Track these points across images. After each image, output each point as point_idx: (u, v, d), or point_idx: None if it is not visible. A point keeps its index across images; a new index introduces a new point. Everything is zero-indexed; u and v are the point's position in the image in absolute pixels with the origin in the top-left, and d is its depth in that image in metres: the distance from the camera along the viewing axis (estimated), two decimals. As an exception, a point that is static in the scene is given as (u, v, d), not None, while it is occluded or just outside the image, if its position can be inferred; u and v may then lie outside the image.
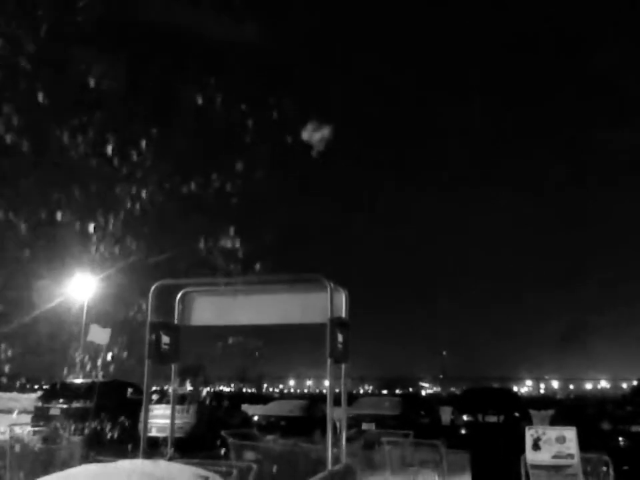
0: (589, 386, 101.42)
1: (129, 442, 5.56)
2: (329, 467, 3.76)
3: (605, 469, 6.11)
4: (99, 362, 7.95)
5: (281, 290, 4.45)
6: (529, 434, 5.83)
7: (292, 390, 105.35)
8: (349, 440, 4.20)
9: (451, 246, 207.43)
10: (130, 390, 15.22)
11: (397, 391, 65.69)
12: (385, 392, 62.41)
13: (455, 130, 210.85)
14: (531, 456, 5.74)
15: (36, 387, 39.28)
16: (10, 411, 19.33)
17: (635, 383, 27.14)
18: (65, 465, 5.72)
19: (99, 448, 7.33)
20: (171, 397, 5.28)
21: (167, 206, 4.49)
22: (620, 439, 12.10)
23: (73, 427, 8.42)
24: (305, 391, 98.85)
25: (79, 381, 14.19)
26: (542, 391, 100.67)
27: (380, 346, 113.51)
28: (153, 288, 4.39)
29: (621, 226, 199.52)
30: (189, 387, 16.74)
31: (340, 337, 3.98)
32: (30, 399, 21.69)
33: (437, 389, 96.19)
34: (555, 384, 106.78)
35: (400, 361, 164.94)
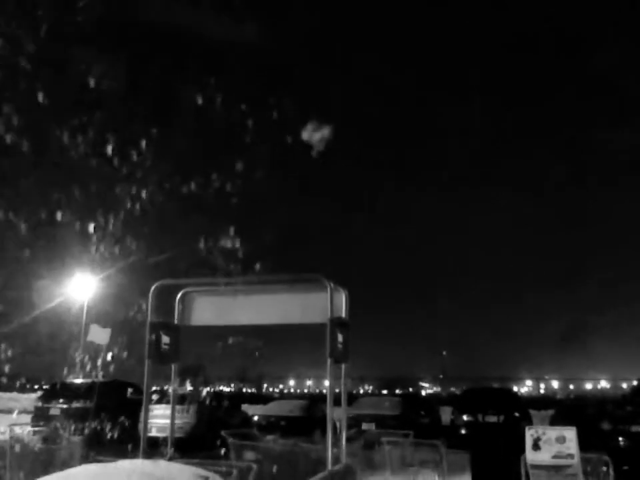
0: (589, 386, 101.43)
1: (129, 442, 5.56)
2: (329, 466, 3.76)
3: (605, 468, 6.11)
4: (99, 362, 7.95)
5: (280, 290, 4.45)
6: (529, 434, 5.83)
7: (292, 390, 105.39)
8: (349, 440, 4.20)
9: (451, 246, 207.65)
10: (130, 390, 15.22)
11: (397, 391, 65.68)
12: (385, 392, 62.42)
13: (455, 130, 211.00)
14: (530, 456, 5.74)
15: (36, 387, 39.28)
16: (10, 411, 19.34)
17: (634, 382, 27.15)
18: (65, 465, 5.72)
19: (99, 448, 7.33)
20: (171, 397, 5.28)
21: (166, 206, 4.49)
22: (620, 439, 12.10)
23: (72, 427, 8.42)
24: (305, 391, 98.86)
25: (78, 381, 14.19)
26: (542, 391, 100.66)
27: (380, 346, 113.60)
28: (152, 288, 4.40)
29: (621, 226, 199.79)
30: (188, 387, 16.74)
31: (340, 337, 3.98)
32: (30, 399, 21.69)
33: (437, 389, 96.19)
34: (555, 384, 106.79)
35: (400, 361, 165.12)
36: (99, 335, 9.54)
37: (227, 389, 64.66)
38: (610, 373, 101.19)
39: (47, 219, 4.29)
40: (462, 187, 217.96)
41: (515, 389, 64.27)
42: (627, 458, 10.18)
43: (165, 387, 12.43)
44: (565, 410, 17.59)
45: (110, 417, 11.22)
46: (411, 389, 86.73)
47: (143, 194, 4.26)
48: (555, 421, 13.77)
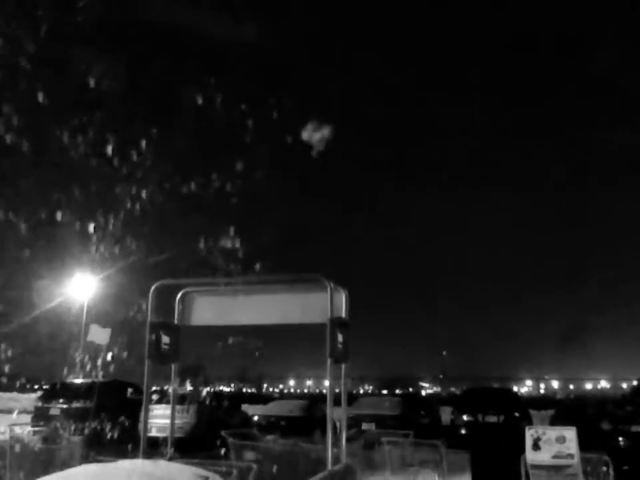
0: (589, 386, 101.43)
1: (129, 442, 5.56)
2: (329, 466, 3.76)
3: (604, 468, 6.11)
4: (99, 362, 7.95)
5: (281, 290, 4.45)
6: (529, 434, 5.83)
7: (292, 390, 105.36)
8: (349, 440, 4.20)
9: (451, 246, 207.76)
10: (130, 390, 15.22)
11: (397, 391, 65.69)
12: (385, 392, 62.41)
13: (455, 130, 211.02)
14: (530, 456, 5.74)
15: (36, 387, 39.25)
16: (10, 411, 19.34)
17: (634, 382, 27.15)
18: (65, 465, 5.72)
19: (98, 448, 7.33)
20: (171, 397, 5.28)
21: (166, 206, 4.49)
22: (620, 438, 12.10)
23: (72, 427, 8.42)
24: (305, 391, 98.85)
25: (78, 381, 14.19)
26: (542, 391, 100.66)
27: (380, 346, 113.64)
28: (152, 288, 4.40)
29: (621, 226, 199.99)
30: (189, 387, 16.74)
31: (340, 337, 3.98)
32: (30, 399, 21.69)
33: (437, 389, 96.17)
34: (555, 384, 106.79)
35: (400, 361, 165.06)
36: (99, 335, 9.53)
37: (227, 389, 64.66)
38: (610, 373, 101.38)
39: (47, 219, 4.29)
40: (462, 186, 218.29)
41: (515, 388, 64.29)
42: (627, 458, 10.18)
43: (165, 387, 12.43)
44: (564, 410, 17.58)
45: (110, 417, 11.21)
46: (410, 389, 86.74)
47: (143, 194, 4.26)
48: (554, 421, 13.77)
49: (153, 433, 9.35)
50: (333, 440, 3.85)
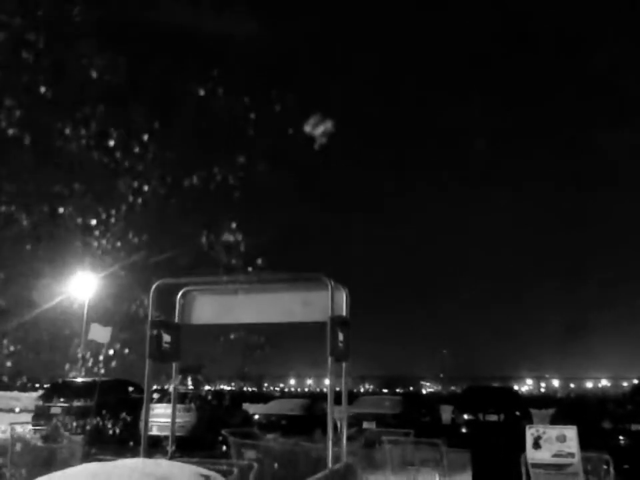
0: (589, 385, 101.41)
1: (130, 440, 5.57)
2: (330, 465, 3.76)
3: (605, 467, 6.11)
4: (100, 360, 7.95)
5: (281, 289, 4.45)
6: (530, 433, 5.82)
7: (292, 389, 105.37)
8: (349, 439, 4.20)
9: (451, 246, 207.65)
10: (131, 389, 15.22)
11: (398, 390, 65.73)
12: (385, 391, 62.46)
13: (455, 130, 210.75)
14: (531, 455, 5.73)
15: (37, 385, 39.26)
16: (11, 410, 19.36)
17: (635, 381, 27.14)
18: (66, 463, 5.72)
19: (99, 447, 7.33)
20: (171, 395, 5.28)
21: (168, 203, 4.49)
22: (620, 437, 12.09)
23: (73, 426, 8.43)
24: (306, 389, 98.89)
25: (79, 379, 14.20)
26: (542, 390, 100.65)
27: (380, 345, 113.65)
28: (153, 287, 4.40)
29: (621, 226, 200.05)
30: (190, 386, 16.75)
31: (341, 336, 3.98)
32: (31, 398, 21.68)
33: (437, 388, 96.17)
34: (556, 383, 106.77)
35: (400, 360, 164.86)
36: (100, 333, 9.53)
37: (227, 388, 64.69)
38: (610, 372, 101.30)
39: (48, 217, 4.29)
40: (462, 186, 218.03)
41: (516, 387, 64.26)
42: (628, 456, 10.18)
43: (166, 386, 12.44)
44: (565, 409, 17.55)
45: (111, 416, 11.23)
46: (411, 388, 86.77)
47: (144, 193, 4.26)
48: (555, 420, 13.74)
49: (154, 431, 9.36)
50: (334, 439, 3.85)
